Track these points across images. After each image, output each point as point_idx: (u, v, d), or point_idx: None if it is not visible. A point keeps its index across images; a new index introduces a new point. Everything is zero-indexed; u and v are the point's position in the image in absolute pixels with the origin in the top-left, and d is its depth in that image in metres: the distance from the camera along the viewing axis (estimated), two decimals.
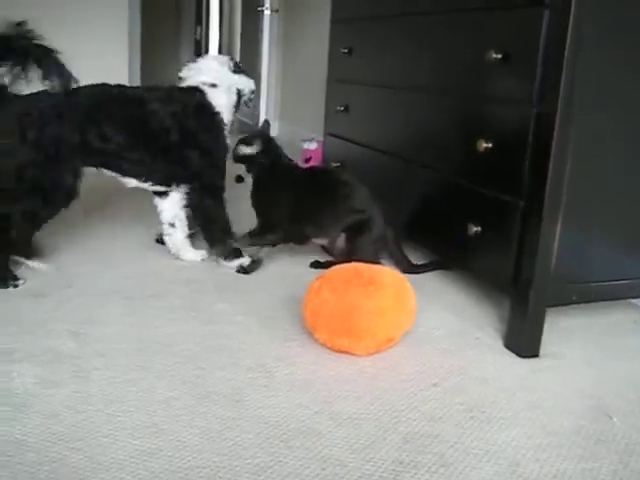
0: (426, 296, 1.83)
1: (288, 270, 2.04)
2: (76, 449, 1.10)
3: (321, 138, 2.91)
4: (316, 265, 2.08)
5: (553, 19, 1.42)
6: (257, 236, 2.03)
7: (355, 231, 1.98)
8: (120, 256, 2.10)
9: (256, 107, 4.73)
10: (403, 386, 1.39)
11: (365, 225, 1.98)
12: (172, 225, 2.09)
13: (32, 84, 1.69)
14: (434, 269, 2.12)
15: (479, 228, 1.68)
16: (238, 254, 2.01)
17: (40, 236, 1.92)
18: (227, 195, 2.05)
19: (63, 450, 1.09)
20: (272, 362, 1.46)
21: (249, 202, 2.07)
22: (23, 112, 1.73)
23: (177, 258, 2.09)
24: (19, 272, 1.83)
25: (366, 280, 1.51)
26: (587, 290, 1.61)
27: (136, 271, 1.94)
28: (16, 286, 1.77)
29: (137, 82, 4.53)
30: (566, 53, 1.38)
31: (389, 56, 2.24)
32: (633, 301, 1.90)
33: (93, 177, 1.90)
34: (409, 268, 2.05)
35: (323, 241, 2.07)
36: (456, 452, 1.16)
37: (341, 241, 2.00)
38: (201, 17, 7.45)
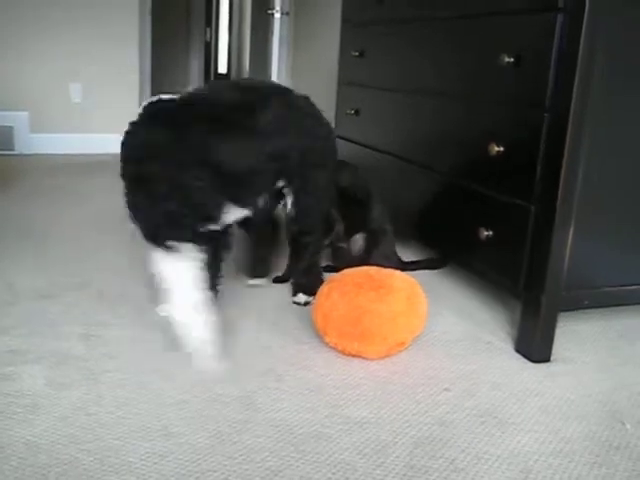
0: (437, 300, 1.82)
1: None
2: (87, 451, 1.10)
3: None
4: (328, 269, 2.08)
5: (567, 23, 1.41)
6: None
7: (372, 240, 2.02)
8: (130, 261, 2.10)
9: None
10: (414, 390, 1.38)
11: (381, 237, 2.03)
12: None
13: None
14: (422, 268, 2.13)
15: (490, 232, 1.67)
16: None
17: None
18: None
19: (74, 452, 1.09)
20: (282, 366, 1.45)
21: None
22: None
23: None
24: None
25: (377, 284, 1.50)
26: (599, 295, 1.60)
27: (146, 276, 1.94)
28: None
29: (147, 83, 4.54)
30: (579, 57, 1.37)
31: (400, 59, 2.24)
32: None
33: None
34: (399, 264, 2.06)
35: (343, 244, 2.09)
36: (467, 457, 1.16)
37: (357, 245, 2.03)
38: (211, 19, 7.47)
